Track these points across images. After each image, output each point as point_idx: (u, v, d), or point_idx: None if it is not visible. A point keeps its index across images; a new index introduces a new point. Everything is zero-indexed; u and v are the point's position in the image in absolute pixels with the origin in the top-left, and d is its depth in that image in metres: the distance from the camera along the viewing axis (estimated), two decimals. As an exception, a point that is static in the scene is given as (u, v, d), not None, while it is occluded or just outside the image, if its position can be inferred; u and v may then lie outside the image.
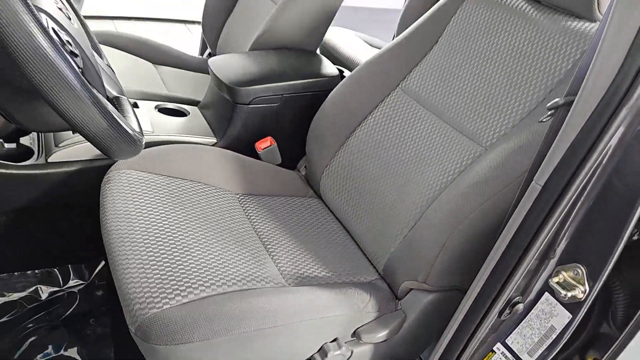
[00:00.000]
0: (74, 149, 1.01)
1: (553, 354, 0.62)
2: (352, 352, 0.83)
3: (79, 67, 0.61)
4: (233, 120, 1.17)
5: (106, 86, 0.72)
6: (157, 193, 0.91)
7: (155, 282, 0.73)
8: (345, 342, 0.83)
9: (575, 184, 0.55)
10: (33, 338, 1.04)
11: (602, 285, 0.56)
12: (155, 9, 2.98)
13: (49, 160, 1.00)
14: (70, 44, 0.62)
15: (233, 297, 0.74)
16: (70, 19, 0.70)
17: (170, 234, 0.83)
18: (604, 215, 0.55)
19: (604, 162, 0.53)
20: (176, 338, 0.67)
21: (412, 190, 0.91)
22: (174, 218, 0.87)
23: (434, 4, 1.05)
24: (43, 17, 0.51)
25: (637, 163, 0.52)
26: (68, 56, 0.52)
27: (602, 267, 0.56)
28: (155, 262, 0.76)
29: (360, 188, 1.00)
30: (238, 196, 1.02)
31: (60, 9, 0.67)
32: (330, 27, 1.35)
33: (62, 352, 1.03)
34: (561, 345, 0.61)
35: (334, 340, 0.82)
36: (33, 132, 1.05)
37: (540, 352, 0.63)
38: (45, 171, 0.99)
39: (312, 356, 0.82)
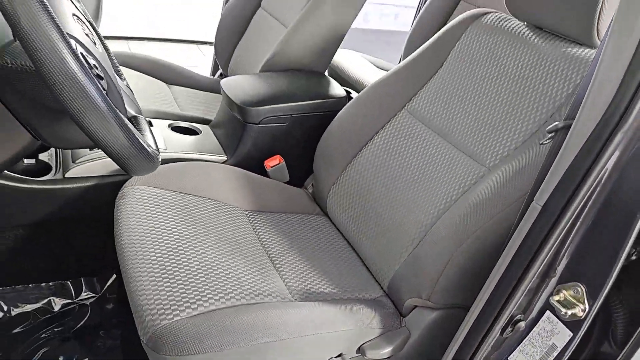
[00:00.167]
0: (90, 165, 1.05)
1: (555, 372, 0.63)
2: (356, 368, 0.85)
3: (104, 89, 0.64)
4: (243, 138, 1.20)
5: (126, 106, 0.76)
6: (169, 208, 0.94)
7: (167, 294, 0.75)
8: (350, 358, 0.84)
9: (574, 204, 0.56)
10: (45, 349, 1.05)
11: (602, 304, 0.57)
12: (168, 30, 3.07)
13: (67, 175, 1.03)
14: (97, 68, 0.66)
15: (241, 311, 0.76)
16: (95, 43, 0.75)
17: (181, 248, 0.85)
18: (602, 235, 0.56)
19: (602, 183, 0.55)
20: (186, 349, 0.69)
21: (416, 209, 0.93)
22: (185, 233, 0.89)
23: (439, 29, 1.09)
24: (72, 43, 0.54)
25: (634, 184, 0.53)
26: (95, 79, 0.56)
27: (602, 286, 0.56)
28: (166, 274, 0.78)
29: (366, 206, 1.02)
30: (247, 212, 1.05)
31: (87, 34, 0.72)
32: (338, 50, 1.39)
33: (73, 363, 1.05)
34: (562, 363, 0.62)
35: (339, 355, 0.84)
36: (51, 149, 1.09)
37: (542, 369, 0.64)
38: (62, 186, 1.02)
39: (317, 371, 0.83)
